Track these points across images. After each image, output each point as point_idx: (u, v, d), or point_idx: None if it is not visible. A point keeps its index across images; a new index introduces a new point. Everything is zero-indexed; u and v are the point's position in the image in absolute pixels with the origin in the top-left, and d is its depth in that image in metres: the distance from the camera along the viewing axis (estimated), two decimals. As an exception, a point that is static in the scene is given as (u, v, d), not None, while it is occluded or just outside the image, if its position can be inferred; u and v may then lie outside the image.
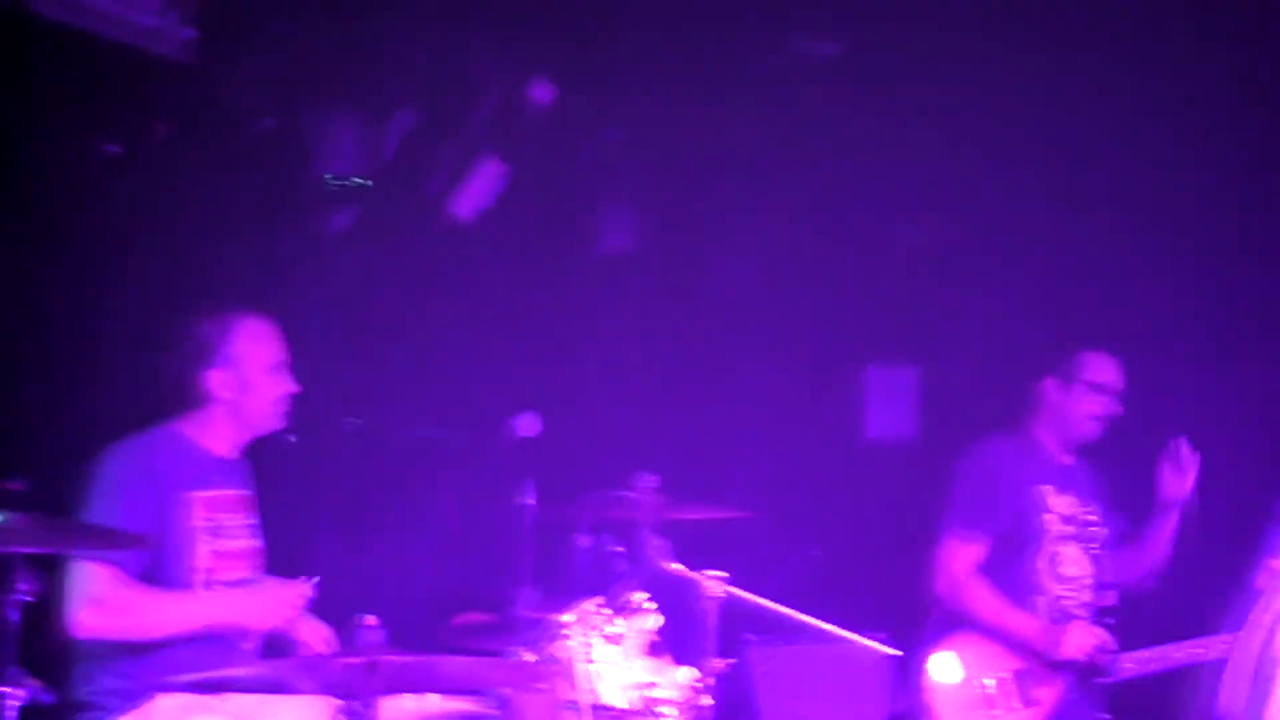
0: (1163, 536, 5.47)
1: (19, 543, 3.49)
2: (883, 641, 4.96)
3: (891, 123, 6.48)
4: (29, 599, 3.50)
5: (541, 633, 4.15)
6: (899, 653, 5.10)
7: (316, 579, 4.54)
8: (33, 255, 5.08)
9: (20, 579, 3.47)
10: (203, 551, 4.45)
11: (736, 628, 5.24)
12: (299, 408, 4.84)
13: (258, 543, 4.68)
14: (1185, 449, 5.38)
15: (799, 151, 6.54)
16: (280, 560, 4.84)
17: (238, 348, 4.54)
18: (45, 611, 3.85)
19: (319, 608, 4.66)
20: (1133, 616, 5.44)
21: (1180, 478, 5.39)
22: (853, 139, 6.55)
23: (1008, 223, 6.65)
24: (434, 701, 4.48)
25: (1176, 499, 5.41)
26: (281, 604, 4.45)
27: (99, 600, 4.22)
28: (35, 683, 3.53)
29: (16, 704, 3.49)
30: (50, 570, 3.61)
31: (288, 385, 4.63)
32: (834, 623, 4.73)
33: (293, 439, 5.30)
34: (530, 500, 4.69)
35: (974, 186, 6.62)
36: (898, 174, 6.76)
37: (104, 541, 4.22)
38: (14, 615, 3.48)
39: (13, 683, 3.48)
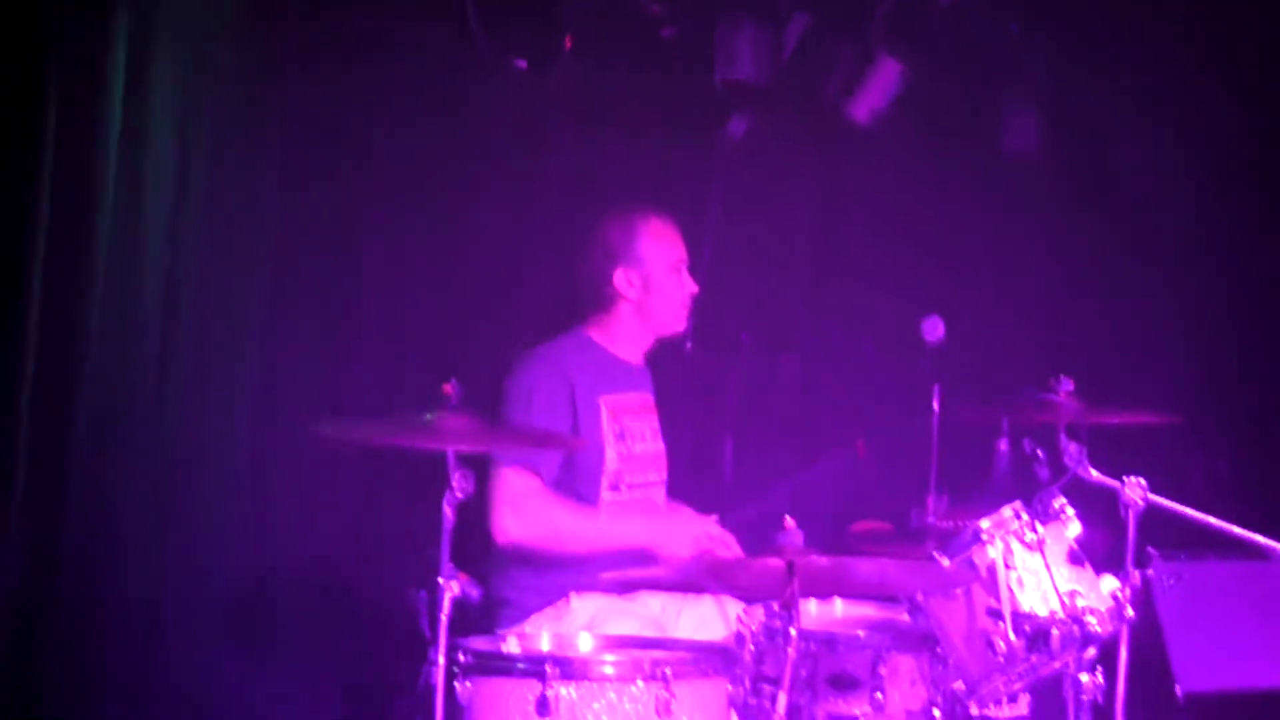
0: None
1: (455, 441, 3.63)
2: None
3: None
4: (462, 497, 3.62)
5: (958, 539, 4.08)
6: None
7: (717, 516, 4.59)
8: (449, 168, 5.26)
9: (455, 478, 3.60)
10: (611, 455, 4.55)
11: (1139, 540, 5.03)
12: (698, 317, 4.88)
13: (661, 446, 4.75)
14: None
15: (1214, 45, 6.13)
16: (682, 465, 4.91)
17: (642, 246, 4.62)
18: (474, 510, 3.99)
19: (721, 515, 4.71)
20: None
21: None
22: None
23: None
24: (838, 606, 4.48)
25: None
26: (695, 538, 4.51)
27: (523, 509, 4.37)
28: (465, 578, 3.65)
29: (451, 597, 3.62)
30: (479, 470, 3.72)
31: (689, 285, 4.69)
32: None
33: (689, 347, 5.36)
34: (936, 406, 4.60)
35: None
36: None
37: (535, 441, 4.36)
38: (450, 512, 3.61)
39: (448, 576, 3.61)
